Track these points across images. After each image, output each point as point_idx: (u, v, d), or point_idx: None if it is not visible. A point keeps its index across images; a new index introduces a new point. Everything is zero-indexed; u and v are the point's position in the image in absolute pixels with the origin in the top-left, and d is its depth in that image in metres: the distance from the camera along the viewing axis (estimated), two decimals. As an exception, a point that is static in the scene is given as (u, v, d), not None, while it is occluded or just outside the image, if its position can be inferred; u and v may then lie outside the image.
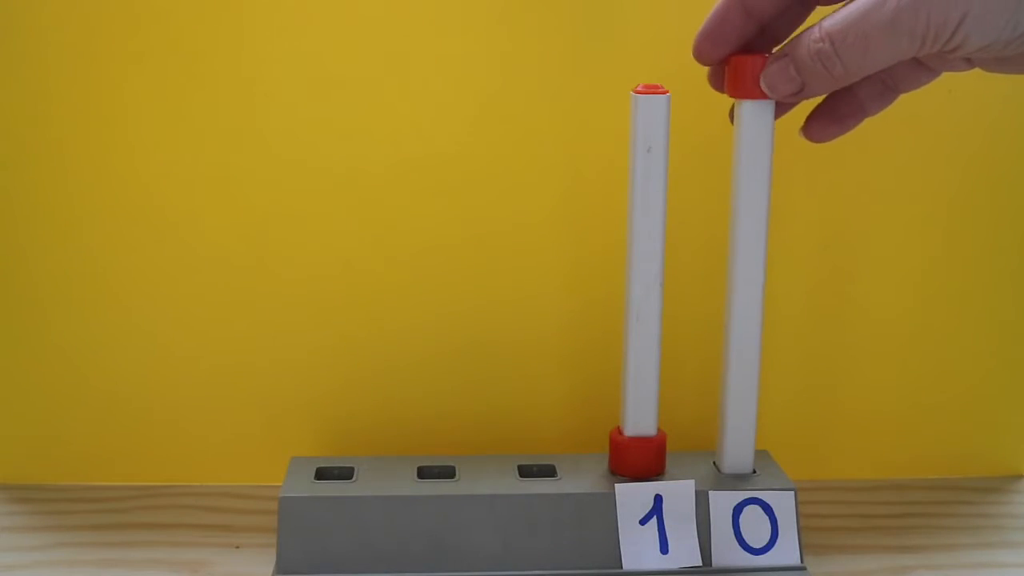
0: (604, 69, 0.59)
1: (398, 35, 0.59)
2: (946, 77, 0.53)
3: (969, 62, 0.51)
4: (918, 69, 0.54)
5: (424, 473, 0.56)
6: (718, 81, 0.54)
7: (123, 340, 0.62)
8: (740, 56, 0.52)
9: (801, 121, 0.55)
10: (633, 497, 0.54)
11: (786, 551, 0.54)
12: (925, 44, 0.46)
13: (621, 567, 0.54)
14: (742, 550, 0.54)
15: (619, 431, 0.56)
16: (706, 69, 0.54)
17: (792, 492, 0.55)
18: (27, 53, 0.58)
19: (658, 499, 0.55)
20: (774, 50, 0.52)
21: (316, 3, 0.58)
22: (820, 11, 0.52)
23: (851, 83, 0.50)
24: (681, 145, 0.54)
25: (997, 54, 0.47)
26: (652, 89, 0.52)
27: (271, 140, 0.60)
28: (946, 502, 0.64)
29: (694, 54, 0.53)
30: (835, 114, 0.54)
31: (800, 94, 0.50)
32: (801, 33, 0.49)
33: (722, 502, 0.55)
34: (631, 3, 0.59)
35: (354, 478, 0.56)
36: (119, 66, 0.59)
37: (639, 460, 0.56)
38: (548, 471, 0.57)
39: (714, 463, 0.58)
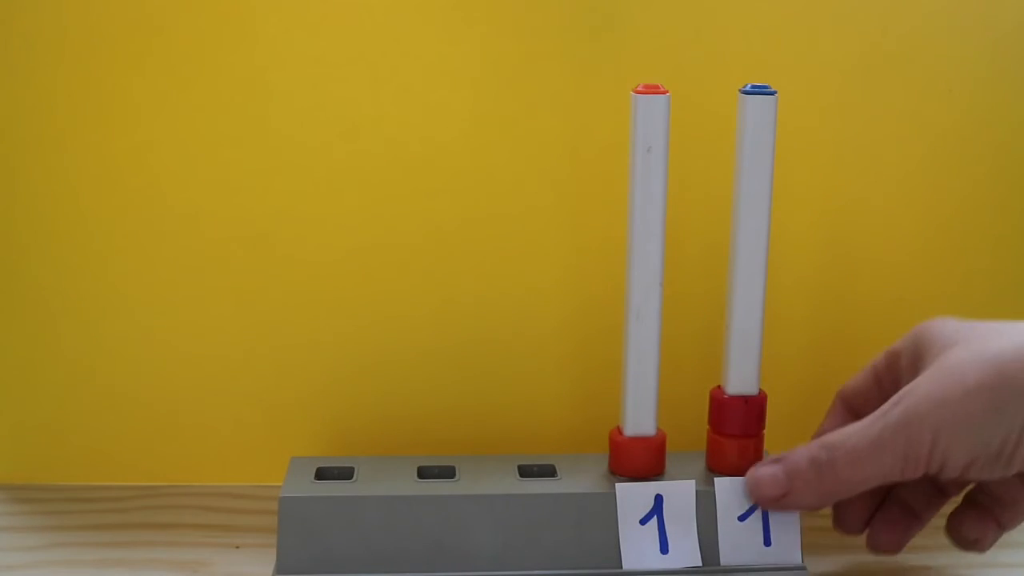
0: (604, 69, 0.59)
1: (399, 33, 0.59)
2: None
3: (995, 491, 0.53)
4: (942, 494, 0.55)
5: (424, 473, 0.56)
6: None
7: (123, 340, 0.62)
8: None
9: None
10: (633, 497, 0.54)
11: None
12: (908, 464, 0.48)
13: (621, 567, 0.54)
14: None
15: (619, 431, 0.56)
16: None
17: (792, 492, 0.55)
18: (31, 52, 0.58)
19: (658, 499, 0.55)
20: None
21: (319, 3, 0.58)
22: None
23: (836, 500, 0.52)
24: (681, 145, 0.54)
25: (999, 473, 0.48)
26: (652, 89, 0.52)
27: (270, 138, 0.60)
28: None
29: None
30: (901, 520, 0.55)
31: (783, 500, 0.52)
32: (801, 445, 0.52)
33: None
34: (631, 3, 0.59)
35: (354, 478, 0.56)
36: (123, 65, 0.59)
37: (639, 460, 0.56)
38: (548, 471, 0.57)
39: (714, 463, 0.58)
